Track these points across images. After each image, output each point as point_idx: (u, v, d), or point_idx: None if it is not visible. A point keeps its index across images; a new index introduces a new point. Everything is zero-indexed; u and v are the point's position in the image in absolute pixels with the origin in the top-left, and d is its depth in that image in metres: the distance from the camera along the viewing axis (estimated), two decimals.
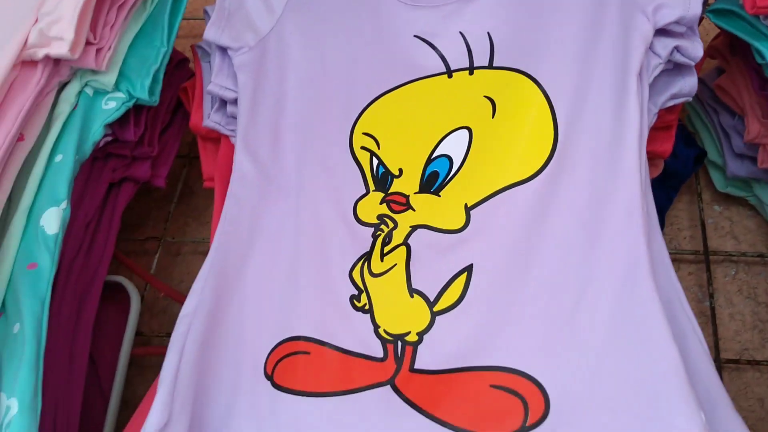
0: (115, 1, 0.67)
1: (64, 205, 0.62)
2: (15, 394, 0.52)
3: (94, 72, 0.68)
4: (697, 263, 0.80)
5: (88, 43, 0.65)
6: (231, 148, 0.70)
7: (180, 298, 0.80)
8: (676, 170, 0.78)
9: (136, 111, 0.73)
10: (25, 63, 0.62)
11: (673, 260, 0.82)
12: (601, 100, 0.57)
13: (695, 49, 0.60)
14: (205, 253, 0.98)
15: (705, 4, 0.65)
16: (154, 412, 0.49)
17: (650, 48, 0.59)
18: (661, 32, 0.59)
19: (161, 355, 0.84)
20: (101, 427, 0.71)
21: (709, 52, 0.77)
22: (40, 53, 0.62)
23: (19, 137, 0.62)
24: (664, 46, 0.59)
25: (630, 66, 0.57)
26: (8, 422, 0.51)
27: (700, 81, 0.82)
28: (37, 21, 0.62)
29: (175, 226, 0.94)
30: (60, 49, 0.62)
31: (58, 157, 0.65)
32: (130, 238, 0.91)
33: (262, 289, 0.57)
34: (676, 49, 0.60)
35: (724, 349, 0.75)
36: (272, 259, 0.59)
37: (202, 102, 0.74)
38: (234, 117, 0.70)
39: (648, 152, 0.66)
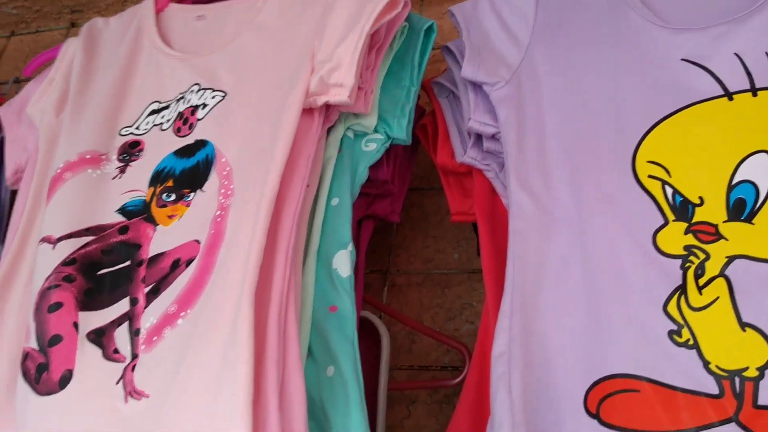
0: (374, 43, 0.69)
1: (350, 247, 0.63)
2: None
3: (356, 116, 0.70)
4: None
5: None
6: (486, 182, 0.71)
7: (424, 330, 0.81)
8: None
9: (386, 151, 0.74)
10: (303, 111, 0.64)
11: None
12: None
13: None
14: (419, 285, 1.00)
15: None
16: None
17: None
18: None
19: (401, 391, 0.85)
20: None
21: None
22: (320, 101, 0.64)
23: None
24: None
25: None
26: None
27: None
28: (314, 70, 0.64)
29: (385, 258, 0.95)
30: (340, 96, 0.64)
31: (335, 201, 0.66)
32: None
33: (561, 323, 0.57)
34: None
35: None
36: (563, 292, 0.58)
37: (446, 138, 0.75)
38: (490, 152, 0.70)
39: None
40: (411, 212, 1.01)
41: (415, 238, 0.99)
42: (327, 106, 0.67)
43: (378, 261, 0.97)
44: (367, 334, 0.80)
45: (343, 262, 0.62)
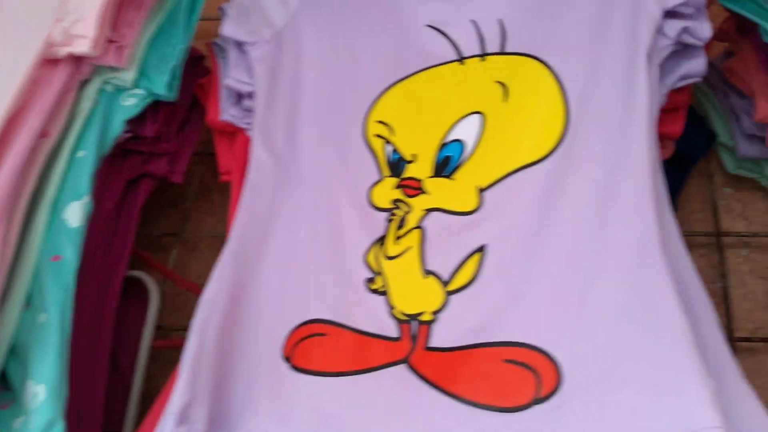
0: None
1: (86, 198, 0.64)
2: (42, 381, 0.54)
3: (114, 69, 0.70)
4: (708, 245, 0.81)
5: (109, 41, 0.67)
6: (247, 141, 0.72)
7: (199, 291, 0.82)
8: (687, 152, 0.79)
9: (154, 108, 0.74)
10: (48, 61, 0.64)
11: (685, 242, 0.82)
12: (610, 81, 0.59)
13: (703, 29, 0.61)
14: (218, 248, 1.01)
15: None
16: (177, 393, 0.50)
17: (659, 29, 0.60)
18: (670, 14, 0.60)
19: (181, 348, 0.86)
20: (123, 420, 0.73)
21: (718, 35, 0.77)
22: (63, 51, 0.64)
23: (44, 134, 0.63)
24: (673, 27, 0.60)
25: (639, 47, 0.59)
26: (36, 407, 0.53)
27: (710, 65, 0.82)
28: (59, 20, 0.64)
29: (192, 222, 0.96)
30: (82, 47, 0.64)
31: (80, 153, 0.66)
32: (148, 234, 0.93)
33: (282, 274, 0.59)
34: (685, 30, 0.61)
35: (737, 329, 0.76)
36: (290, 245, 0.60)
37: (218, 97, 0.76)
38: (250, 110, 0.71)
39: (658, 133, 0.68)
40: (214, 178, 1.01)
41: (224, 203, 1.00)
42: (78, 58, 0.67)
43: (173, 224, 0.97)
44: (142, 295, 0.81)
45: (74, 213, 0.62)
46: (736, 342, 0.74)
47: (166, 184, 0.89)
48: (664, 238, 0.53)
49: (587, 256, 0.52)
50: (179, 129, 0.82)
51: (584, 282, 0.51)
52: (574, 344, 0.49)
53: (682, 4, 0.59)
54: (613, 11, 0.61)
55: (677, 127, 0.68)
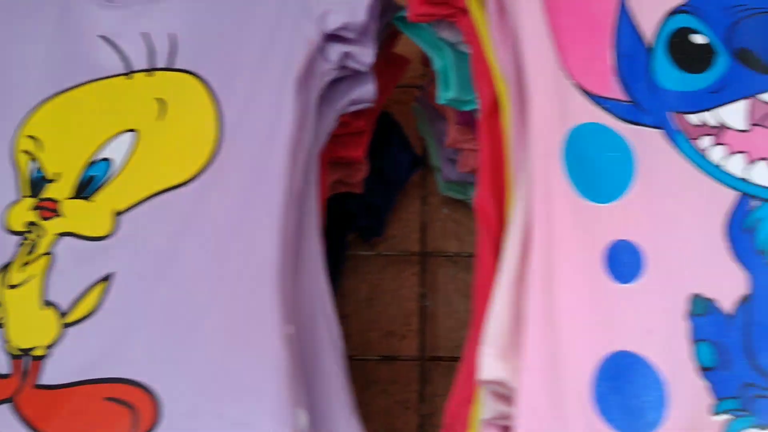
0: None
1: None
2: None
3: None
4: (420, 264, 0.83)
5: None
6: None
7: None
8: (392, 174, 0.81)
9: None
10: None
11: (401, 261, 0.84)
12: (262, 106, 0.58)
13: (365, 55, 0.61)
14: None
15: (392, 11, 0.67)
16: None
17: (322, 53, 0.60)
18: (334, 38, 0.60)
19: None
20: None
21: (424, 60, 0.79)
22: None
23: None
24: (335, 51, 0.60)
25: (290, 71, 0.58)
26: None
27: (422, 89, 0.84)
28: None
29: None
30: None
31: None
32: None
33: None
34: (347, 55, 0.61)
35: (436, 347, 0.78)
36: None
37: None
38: None
39: (341, 157, 0.68)
40: None
41: None
42: None
43: None
44: None
45: None
46: (430, 361, 0.76)
47: None
48: (303, 264, 0.52)
49: (207, 286, 0.51)
50: None
51: (198, 314, 0.49)
52: (178, 379, 0.47)
53: (341, 29, 0.59)
54: (278, 34, 0.60)
55: (359, 150, 0.68)
